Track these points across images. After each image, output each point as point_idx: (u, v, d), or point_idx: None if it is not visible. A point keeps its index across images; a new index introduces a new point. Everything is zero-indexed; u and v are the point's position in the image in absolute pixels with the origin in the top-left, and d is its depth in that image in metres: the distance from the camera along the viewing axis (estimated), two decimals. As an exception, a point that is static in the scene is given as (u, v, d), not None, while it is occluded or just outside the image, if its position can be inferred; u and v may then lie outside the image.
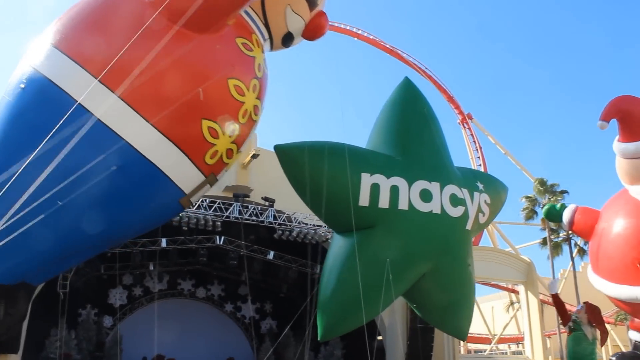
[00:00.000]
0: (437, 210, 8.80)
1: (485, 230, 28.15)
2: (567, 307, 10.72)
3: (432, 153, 9.37)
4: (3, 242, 6.36)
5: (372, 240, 8.67)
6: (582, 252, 28.57)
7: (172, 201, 7.96)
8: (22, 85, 7.13)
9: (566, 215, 12.20)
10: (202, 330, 21.95)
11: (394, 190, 8.67)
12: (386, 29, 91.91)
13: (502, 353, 31.10)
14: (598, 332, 10.00)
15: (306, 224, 18.53)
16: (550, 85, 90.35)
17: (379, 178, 8.67)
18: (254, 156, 19.53)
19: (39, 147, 6.33)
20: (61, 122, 6.46)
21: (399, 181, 8.74)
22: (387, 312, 16.23)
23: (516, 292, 28.77)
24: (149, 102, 7.10)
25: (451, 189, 9.01)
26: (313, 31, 9.38)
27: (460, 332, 9.90)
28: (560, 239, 29.28)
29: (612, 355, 11.16)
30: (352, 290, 8.23)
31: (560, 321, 10.95)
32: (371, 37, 32.60)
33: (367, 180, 8.61)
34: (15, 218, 6.36)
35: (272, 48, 9.47)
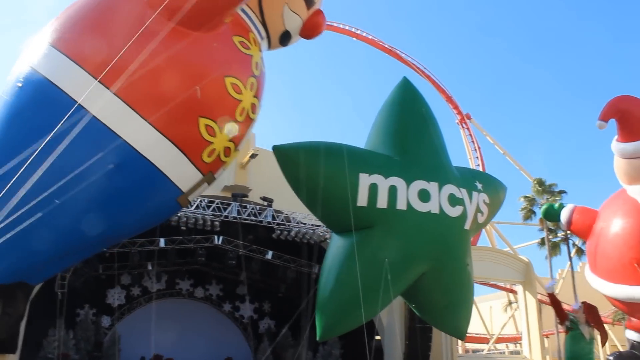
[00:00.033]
0: (436, 210, 8.81)
1: (483, 230, 28.16)
2: (565, 306, 10.75)
3: (431, 153, 9.37)
4: (0, 241, 6.35)
5: (371, 240, 8.67)
6: (580, 252, 28.59)
7: (170, 199, 7.95)
8: (19, 84, 7.12)
9: (564, 215, 12.22)
10: (200, 330, 21.94)
11: (392, 191, 8.67)
12: (385, 28, 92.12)
13: (500, 353, 31.14)
14: (595, 332, 10.04)
15: (305, 224, 18.52)
16: (549, 85, 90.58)
17: (377, 178, 8.68)
18: (253, 156, 19.51)
19: (40, 146, 6.32)
20: (62, 122, 6.46)
21: (397, 181, 8.74)
22: (386, 311, 16.25)
23: (514, 292, 28.79)
24: (146, 100, 7.11)
25: (449, 188, 9.02)
26: (310, 30, 9.38)
27: (459, 331, 9.91)
28: (558, 238, 29.28)
29: (610, 355, 11.21)
30: (351, 290, 8.24)
31: (558, 320, 10.98)
32: (370, 37, 32.61)
33: (365, 180, 8.62)
34: (12, 217, 6.34)
35: (269, 47, 9.47)
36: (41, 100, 7.00)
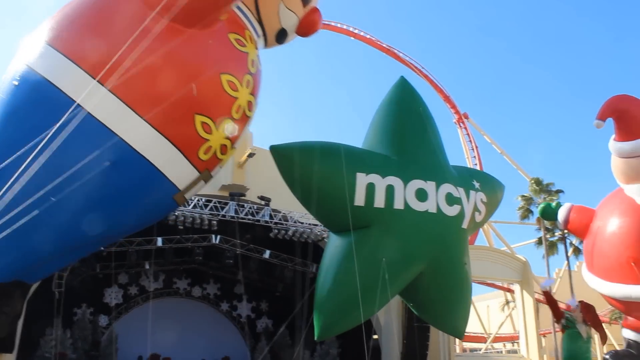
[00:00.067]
0: (433, 210, 8.81)
1: (481, 229, 28.18)
2: (560, 305, 10.77)
3: (428, 152, 9.38)
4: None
5: (368, 240, 8.68)
6: (577, 251, 28.63)
7: (166, 197, 7.95)
8: (16, 82, 7.11)
9: (561, 214, 12.25)
10: (198, 329, 21.91)
11: (390, 190, 8.68)
12: (384, 26, 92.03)
13: (498, 352, 31.13)
14: (593, 331, 10.06)
15: (302, 223, 18.52)
16: (547, 84, 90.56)
17: (374, 178, 8.69)
18: (250, 155, 19.49)
19: (40, 145, 6.32)
20: (61, 121, 6.45)
21: (395, 180, 8.75)
22: (383, 311, 16.23)
23: (511, 292, 28.81)
24: (142, 97, 7.11)
25: (447, 188, 9.02)
26: (307, 27, 9.39)
27: (457, 330, 9.92)
28: (555, 238, 29.33)
29: (606, 354, 11.25)
30: (349, 290, 8.24)
31: (554, 319, 11.01)
32: (368, 36, 32.60)
33: (362, 180, 8.63)
34: (9, 216, 6.33)
35: (266, 45, 9.46)
36: (38, 99, 6.99)
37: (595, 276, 11.08)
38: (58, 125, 6.45)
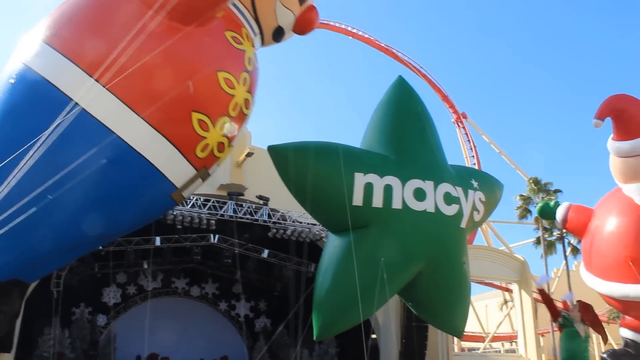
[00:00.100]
0: (431, 209, 8.81)
1: (479, 229, 28.20)
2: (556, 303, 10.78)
3: (426, 152, 9.37)
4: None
5: (366, 239, 8.68)
6: (575, 250, 28.69)
7: (164, 195, 7.93)
8: (12, 80, 7.08)
9: (559, 213, 12.27)
10: (196, 329, 21.90)
11: (388, 190, 8.68)
12: (382, 26, 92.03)
13: (496, 351, 31.12)
14: (591, 330, 10.06)
15: (300, 223, 18.52)
16: (546, 83, 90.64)
17: (372, 177, 8.68)
18: (249, 155, 19.49)
19: (40, 145, 6.31)
20: (60, 121, 6.43)
21: (393, 180, 8.75)
22: (382, 310, 16.24)
23: (510, 291, 28.82)
24: (139, 95, 7.09)
25: (445, 187, 9.02)
26: (303, 25, 9.37)
27: (456, 330, 9.93)
28: (553, 237, 29.37)
29: (604, 353, 11.26)
30: (348, 290, 8.24)
31: (550, 317, 11.01)
32: (366, 35, 32.59)
33: (360, 179, 8.62)
34: (6, 214, 6.31)
35: (263, 43, 9.44)
36: (35, 97, 6.97)
37: (593, 275, 11.10)
38: (56, 124, 6.43)
